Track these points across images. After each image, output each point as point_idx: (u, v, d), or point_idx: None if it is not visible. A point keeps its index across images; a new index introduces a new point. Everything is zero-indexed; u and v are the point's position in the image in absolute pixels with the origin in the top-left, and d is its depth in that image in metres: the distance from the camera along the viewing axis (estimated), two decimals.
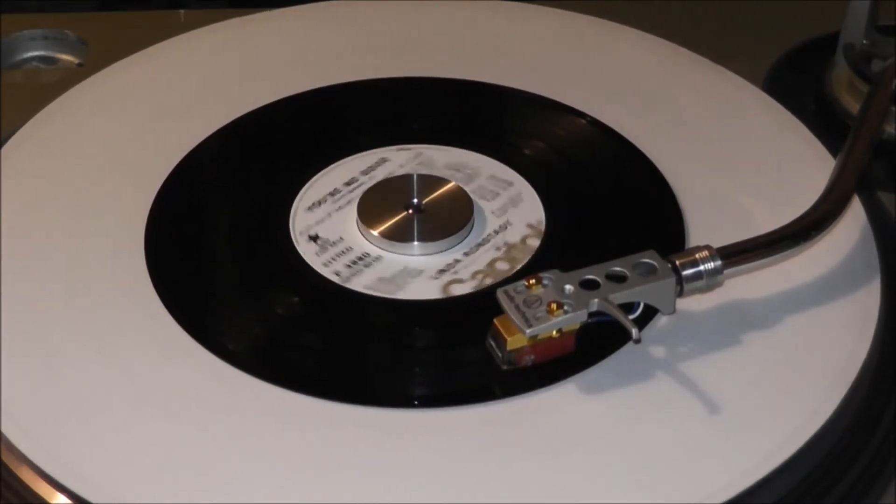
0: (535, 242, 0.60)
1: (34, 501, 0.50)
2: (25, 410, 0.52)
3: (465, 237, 0.61)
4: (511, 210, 0.62)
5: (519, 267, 0.59)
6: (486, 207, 0.62)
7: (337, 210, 0.62)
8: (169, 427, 0.52)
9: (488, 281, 0.58)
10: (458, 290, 0.58)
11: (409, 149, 0.65)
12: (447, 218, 0.61)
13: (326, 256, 0.59)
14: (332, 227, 0.61)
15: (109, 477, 0.50)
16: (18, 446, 0.51)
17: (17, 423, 0.52)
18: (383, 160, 0.65)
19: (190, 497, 0.49)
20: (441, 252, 0.60)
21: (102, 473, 0.50)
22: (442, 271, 0.59)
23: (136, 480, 0.50)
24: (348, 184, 0.63)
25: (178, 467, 0.50)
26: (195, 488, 0.50)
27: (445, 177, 0.63)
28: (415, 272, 0.59)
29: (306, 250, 0.59)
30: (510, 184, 0.64)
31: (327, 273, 0.58)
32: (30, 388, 0.53)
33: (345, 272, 0.58)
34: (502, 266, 0.59)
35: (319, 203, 0.62)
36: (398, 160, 0.65)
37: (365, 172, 0.64)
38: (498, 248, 0.60)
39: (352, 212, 0.61)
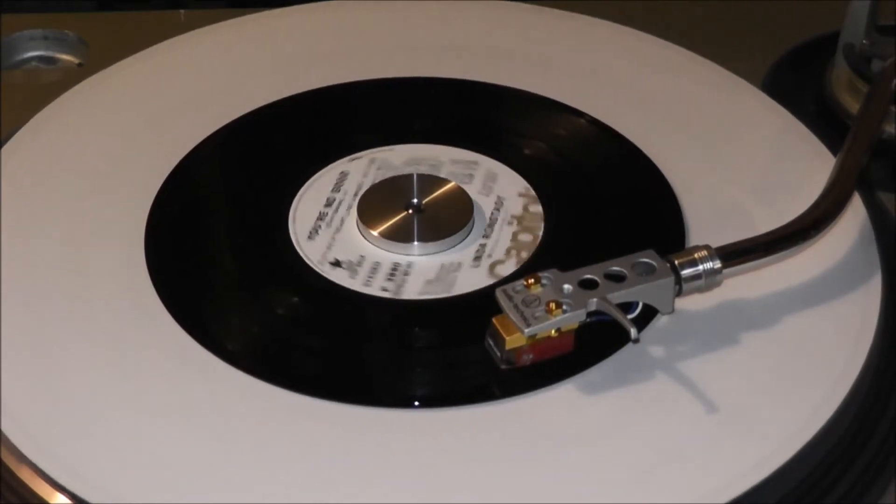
0: (537, 208, 0.61)
1: (34, 501, 0.50)
2: (25, 410, 0.52)
3: (467, 236, 0.61)
4: (494, 186, 0.63)
5: (540, 234, 0.60)
6: (470, 190, 0.62)
7: (336, 232, 0.61)
8: (169, 427, 0.52)
9: (524, 254, 0.59)
10: (504, 270, 0.59)
11: (360, 156, 0.65)
12: (447, 217, 0.61)
13: (362, 277, 0.59)
14: (345, 249, 0.60)
15: (109, 477, 0.50)
16: (18, 446, 0.51)
17: (17, 423, 0.52)
18: (344, 174, 0.64)
19: (190, 497, 0.49)
20: (441, 252, 0.60)
21: (102, 473, 0.50)
22: (477, 258, 0.59)
23: (136, 480, 0.50)
24: (328, 205, 0.63)
25: (177, 467, 0.50)
26: (195, 488, 0.50)
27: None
28: (454, 266, 0.59)
29: (339, 277, 0.59)
30: (475, 163, 0.64)
31: (376, 292, 0.58)
32: (30, 388, 0.53)
33: (391, 287, 0.58)
34: (525, 237, 0.60)
35: (316, 230, 0.61)
36: (357, 170, 0.64)
37: (335, 190, 0.63)
38: (509, 223, 0.61)
39: (352, 227, 0.61)
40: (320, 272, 0.59)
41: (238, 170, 0.65)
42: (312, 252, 0.60)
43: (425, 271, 0.59)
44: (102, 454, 0.51)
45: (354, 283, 0.58)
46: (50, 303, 0.57)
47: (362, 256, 0.60)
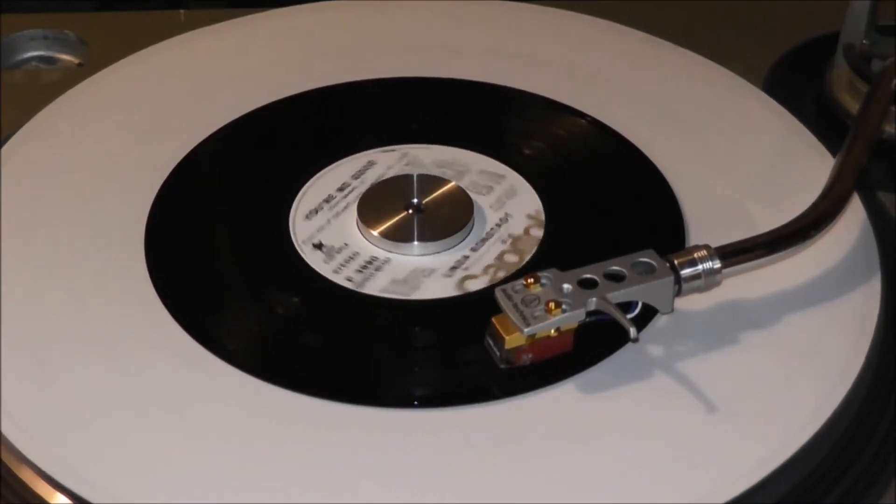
0: (538, 232, 0.60)
1: (34, 501, 0.51)
2: (25, 410, 0.52)
3: (466, 237, 0.61)
4: (508, 202, 0.62)
5: (528, 258, 0.59)
6: (483, 202, 0.62)
7: (335, 216, 0.62)
8: (169, 427, 0.52)
9: (501, 274, 0.59)
10: (474, 285, 0.58)
11: (393, 150, 0.65)
12: (447, 217, 0.61)
13: (335, 263, 0.59)
14: (334, 234, 0.61)
15: (109, 477, 0.50)
16: (18, 446, 0.51)
17: (17, 423, 0.52)
18: (371, 163, 0.65)
19: (190, 497, 0.49)
20: (441, 252, 0.60)
21: (102, 473, 0.50)
22: (453, 268, 0.59)
23: (136, 480, 0.50)
24: (341, 189, 0.63)
25: (178, 467, 0.50)
26: (195, 488, 0.50)
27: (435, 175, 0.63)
28: (426, 271, 0.59)
29: (313, 259, 0.59)
30: (502, 177, 0.64)
31: (339, 280, 0.58)
32: (30, 388, 0.53)
33: (357, 277, 0.58)
34: (511, 258, 0.59)
35: (316, 211, 0.62)
36: (385, 162, 0.65)
37: (355, 176, 0.64)
38: (503, 241, 0.60)
39: (351, 216, 0.61)
40: (296, 246, 0.59)
41: (238, 170, 0.65)
42: (302, 231, 0.61)
43: (397, 270, 0.59)
44: (102, 453, 0.51)
45: (324, 269, 0.59)
46: (50, 303, 0.57)
47: (346, 244, 0.60)
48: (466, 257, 0.60)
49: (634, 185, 0.64)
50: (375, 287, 0.58)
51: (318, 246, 0.60)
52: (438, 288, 0.58)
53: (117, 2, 0.88)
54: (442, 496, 0.50)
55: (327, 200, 0.63)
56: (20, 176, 0.63)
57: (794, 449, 0.51)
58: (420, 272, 0.59)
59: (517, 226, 0.61)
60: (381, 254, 0.60)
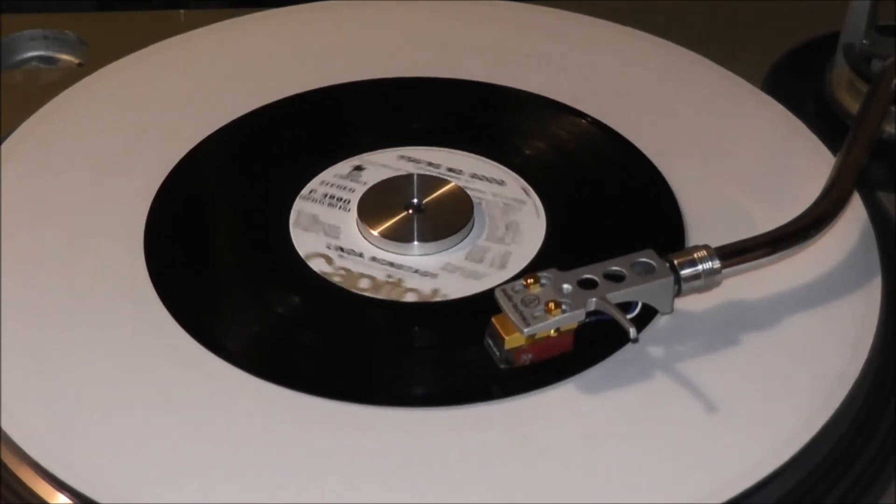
0: (441, 299, 0.58)
1: (34, 501, 0.51)
2: (25, 410, 0.52)
3: (465, 237, 0.61)
4: (486, 270, 0.59)
5: (393, 299, 0.57)
6: (480, 256, 0.60)
7: (397, 170, 0.64)
8: (169, 426, 0.52)
9: (367, 293, 0.57)
10: (335, 278, 0.58)
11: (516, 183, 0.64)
12: (447, 218, 0.61)
13: (321, 187, 0.63)
14: (378, 173, 0.63)
15: (110, 476, 0.50)
16: (18, 445, 0.51)
17: (17, 422, 0.52)
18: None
19: (190, 496, 0.49)
20: (438, 252, 0.60)
21: (103, 473, 0.50)
22: (353, 253, 0.59)
23: (137, 479, 0.50)
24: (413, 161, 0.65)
25: (178, 466, 0.50)
26: (195, 488, 0.50)
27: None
28: (333, 248, 0.60)
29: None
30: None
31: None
32: (30, 387, 0.53)
33: (303, 208, 0.62)
34: (393, 292, 0.58)
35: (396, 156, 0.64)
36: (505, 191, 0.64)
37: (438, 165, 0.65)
38: (421, 275, 0.59)
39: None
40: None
41: (238, 170, 0.65)
42: (365, 158, 0.64)
43: (329, 217, 0.61)
44: (103, 453, 0.51)
45: (308, 188, 0.62)
46: (49, 302, 0.57)
47: (353, 190, 0.62)
48: (392, 264, 0.59)
49: (634, 185, 0.64)
50: (294, 213, 0.61)
51: (359, 168, 0.63)
52: (308, 247, 0.59)
53: (117, 2, 0.88)
54: (441, 496, 0.50)
55: (401, 157, 0.65)
56: (19, 175, 0.63)
57: (794, 449, 0.51)
58: (327, 244, 0.60)
59: (437, 285, 0.58)
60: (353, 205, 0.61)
